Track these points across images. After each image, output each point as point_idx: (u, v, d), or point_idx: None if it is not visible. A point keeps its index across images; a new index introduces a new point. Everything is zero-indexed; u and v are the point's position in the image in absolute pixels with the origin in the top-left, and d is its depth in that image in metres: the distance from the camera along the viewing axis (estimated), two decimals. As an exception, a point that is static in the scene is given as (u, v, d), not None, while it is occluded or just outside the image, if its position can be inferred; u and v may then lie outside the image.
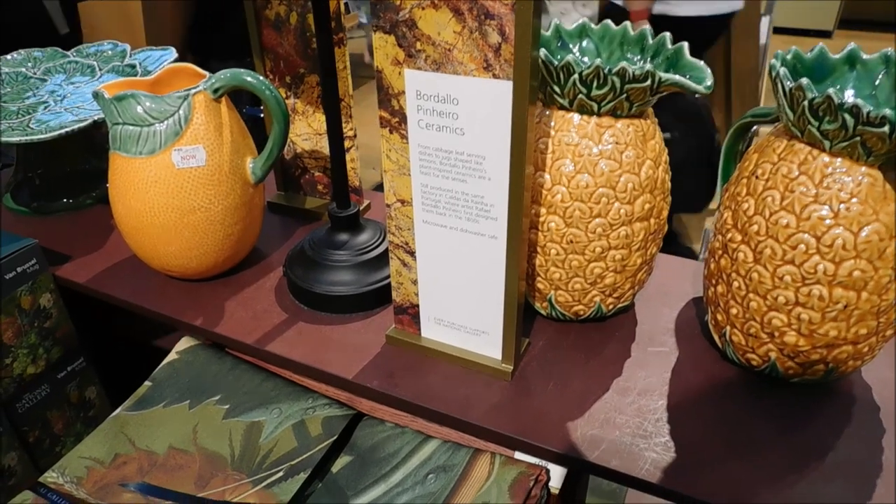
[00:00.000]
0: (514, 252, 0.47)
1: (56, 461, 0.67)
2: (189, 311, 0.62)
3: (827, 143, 0.43)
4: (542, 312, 0.58)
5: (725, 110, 2.11)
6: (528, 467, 0.56)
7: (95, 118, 0.67)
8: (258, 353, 0.59)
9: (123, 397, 0.67)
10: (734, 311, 0.50)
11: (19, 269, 0.63)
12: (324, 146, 0.71)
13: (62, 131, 0.65)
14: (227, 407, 0.64)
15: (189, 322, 0.61)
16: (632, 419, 0.50)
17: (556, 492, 0.57)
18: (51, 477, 0.60)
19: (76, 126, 0.66)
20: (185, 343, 0.70)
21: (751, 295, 0.48)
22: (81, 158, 0.80)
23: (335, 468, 0.59)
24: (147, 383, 0.67)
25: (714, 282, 0.52)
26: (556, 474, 0.57)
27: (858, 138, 0.41)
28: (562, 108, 0.50)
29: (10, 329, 0.63)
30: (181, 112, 0.56)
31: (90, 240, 0.72)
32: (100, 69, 0.83)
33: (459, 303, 0.53)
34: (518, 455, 0.59)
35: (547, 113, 0.51)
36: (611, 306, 0.56)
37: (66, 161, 0.78)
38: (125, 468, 0.61)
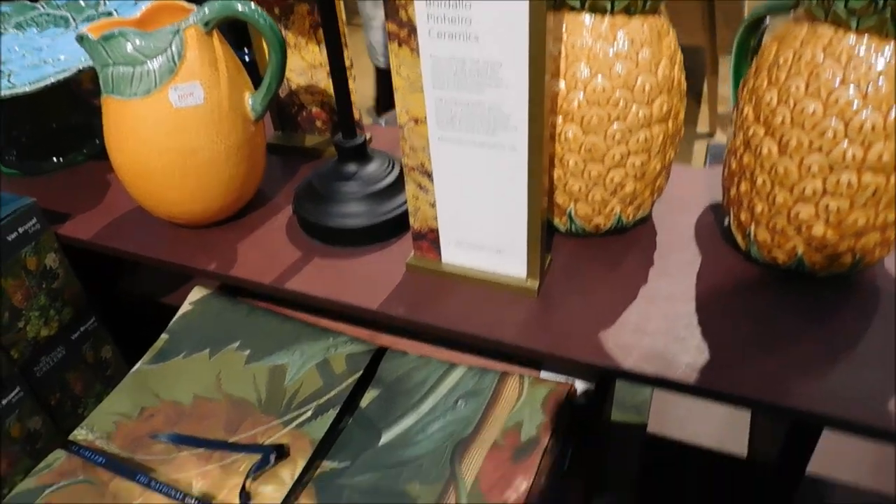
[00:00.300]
0: (536, 162, 0.46)
1: (79, 422, 0.67)
2: (200, 257, 0.61)
3: (854, 22, 0.41)
4: (561, 228, 0.57)
5: (709, 26, 2.08)
6: (558, 384, 0.56)
7: (81, 66, 0.65)
8: (277, 292, 0.58)
9: (137, 355, 0.66)
10: (759, 208, 0.49)
11: (20, 230, 0.61)
12: (320, 79, 0.69)
13: (49, 81, 0.63)
14: (247, 352, 0.64)
15: (202, 268, 0.60)
16: (662, 325, 0.50)
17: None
18: (80, 434, 0.60)
19: (62, 76, 0.64)
20: (197, 293, 0.69)
21: (776, 189, 0.47)
22: (67, 113, 0.77)
23: (364, 403, 0.59)
24: (164, 336, 0.66)
25: (736, 181, 0.51)
26: (580, 390, 0.57)
27: (888, 11, 0.39)
28: (573, 9, 0.48)
29: (18, 292, 0.62)
30: (173, 48, 0.53)
31: (88, 196, 0.70)
32: (74, 19, 0.79)
33: (481, 222, 0.52)
34: (544, 374, 0.59)
35: (558, 17, 0.49)
36: (630, 216, 0.55)
37: (52, 117, 0.76)
38: (153, 420, 0.60)
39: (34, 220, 0.62)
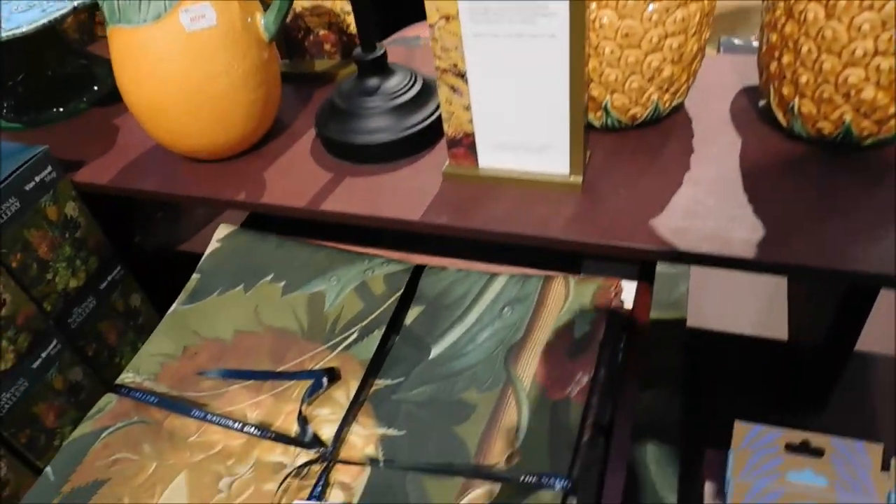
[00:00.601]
0: (578, 48, 0.44)
1: (119, 372, 0.66)
2: (227, 189, 0.59)
3: None
4: (596, 124, 0.56)
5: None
6: (605, 280, 0.56)
7: (76, 4, 0.62)
8: (312, 215, 0.56)
9: (163, 304, 0.65)
10: (804, 78, 0.48)
11: (37, 179, 0.59)
12: (325, -2, 0.66)
13: (45, 20, 0.60)
14: (283, 283, 0.63)
15: (231, 199, 0.58)
16: (712, 206, 0.49)
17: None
18: (128, 377, 0.59)
19: (58, 13, 0.61)
20: (223, 230, 0.68)
21: (823, 56, 0.46)
22: (61, 61, 0.74)
23: (408, 320, 0.59)
24: (195, 276, 0.65)
25: (777, 55, 0.50)
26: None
27: None
28: None
29: (43, 243, 0.60)
30: (180, -34, 0.51)
31: (99, 142, 0.68)
32: (56, -39, 0.75)
33: (519, 121, 0.50)
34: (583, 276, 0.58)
35: None
36: (667, 103, 0.54)
37: (46, 65, 0.73)
38: (197, 359, 0.60)
39: (49, 168, 0.60)
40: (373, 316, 0.59)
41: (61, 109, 0.74)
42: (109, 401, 0.58)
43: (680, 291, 0.72)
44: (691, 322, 0.72)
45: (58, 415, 0.63)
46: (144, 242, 0.87)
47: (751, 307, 0.72)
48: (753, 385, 0.66)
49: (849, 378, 0.62)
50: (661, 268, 0.63)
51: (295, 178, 0.59)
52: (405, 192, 0.55)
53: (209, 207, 0.78)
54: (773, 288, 0.74)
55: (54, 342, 0.62)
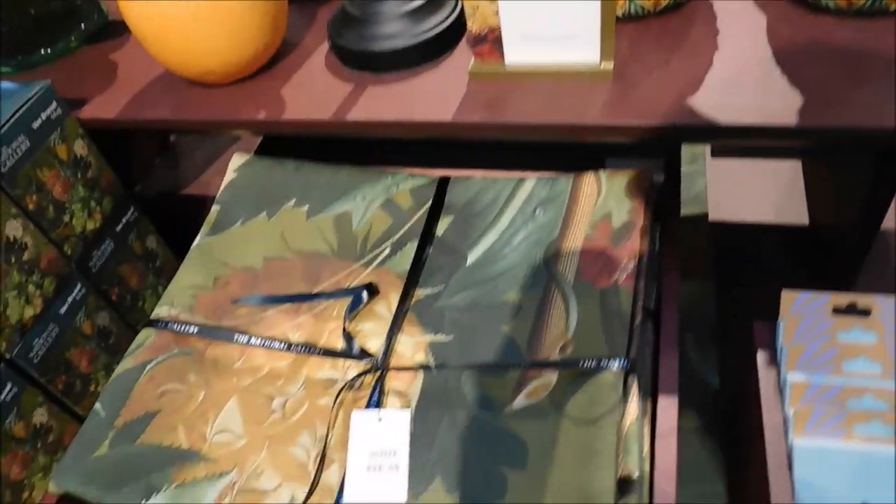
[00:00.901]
0: (612, -82, 0.43)
1: (143, 316, 0.66)
2: (245, 109, 0.57)
3: None
4: (618, 13, 0.55)
5: None
6: (636, 171, 0.56)
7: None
8: (340, 127, 0.55)
9: (180, 247, 0.63)
10: (833, -59, 0.47)
11: (43, 116, 0.57)
12: None
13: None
14: (306, 207, 0.62)
15: (250, 119, 0.57)
16: (747, 81, 0.49)
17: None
18: (163, 311, 0.58)
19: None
20: (238, 160, 0.66)
21: (855, -87, 0.45)
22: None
23: (440, 231, 0.58)
24: (215, 207, 0.64)
25: (803, -81, 0.49)
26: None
27: None
28: None
29: (56, 183, 0.59)
30: None
31: (98, 78, 0.65)
32: None
33: (546, 10, 0.49)
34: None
35: None
36: (690, -16, 0.53)
37: (28, 3, 0.69)
38: (229, 288, 0.59)
39: (54, 105, 0.58)
40: (403, 230, 0.59)
41: (49, 50, 0.71)
42: (148, 335, 0.57)
43: (699, 187, 0.72)
44: (712, 216, 0.73)
45: (90, 360, 0.62)
46: (145, 190, 0.85)
47: (768, 197, 0.73)
48: (781, 270, 0.67)
49: (875, 257, 0.63)
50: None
51: (314, 93, 0.57)
52: (432, 96, 0.54)
53: (224, 133, 0.75)
54: (788, 176, 0.74)
55: (79, 286, 0.61)
